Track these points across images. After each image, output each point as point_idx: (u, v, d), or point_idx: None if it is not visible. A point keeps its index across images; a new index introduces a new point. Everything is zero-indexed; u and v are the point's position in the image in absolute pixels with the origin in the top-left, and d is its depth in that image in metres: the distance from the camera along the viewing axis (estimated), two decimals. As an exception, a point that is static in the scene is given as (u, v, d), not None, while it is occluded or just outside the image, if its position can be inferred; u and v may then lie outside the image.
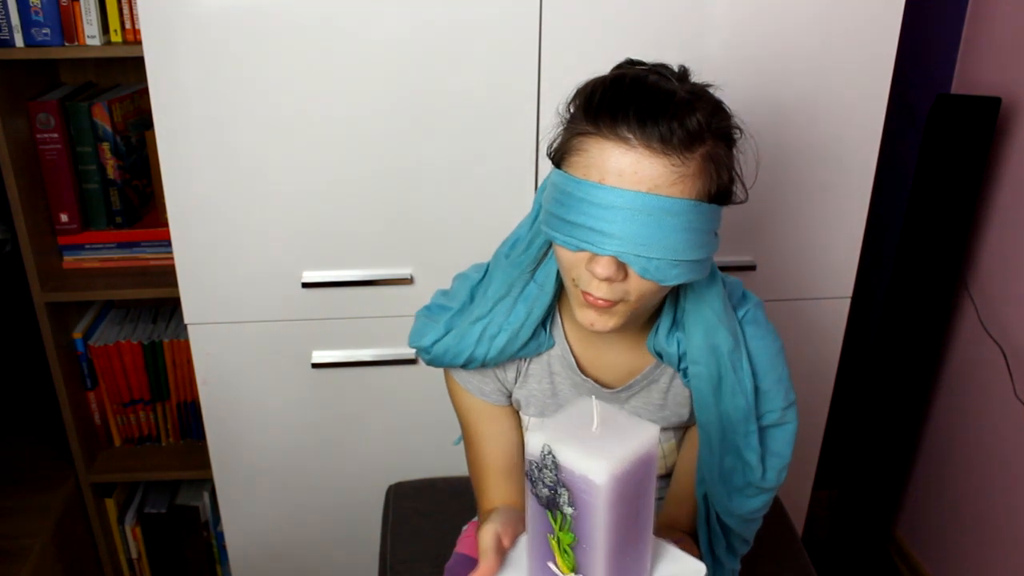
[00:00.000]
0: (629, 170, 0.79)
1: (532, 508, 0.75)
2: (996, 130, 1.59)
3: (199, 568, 1.89)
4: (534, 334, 0.98)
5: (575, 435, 0.71)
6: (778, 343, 0.98)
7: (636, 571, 0.77)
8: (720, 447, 0.97)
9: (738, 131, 0.87)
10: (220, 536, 1.85)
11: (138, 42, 1.31)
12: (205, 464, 1.58)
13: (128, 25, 1.45)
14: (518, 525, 0.83)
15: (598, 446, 0.70)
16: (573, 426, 0.72)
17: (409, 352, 1.46)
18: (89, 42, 1.43)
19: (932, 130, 1.57)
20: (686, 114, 0.79)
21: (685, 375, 0.97)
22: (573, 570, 0.73)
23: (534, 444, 0.72)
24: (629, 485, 0.71)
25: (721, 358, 0.93)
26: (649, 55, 0.90)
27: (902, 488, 1.97)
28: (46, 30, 1.41)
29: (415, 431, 1.54)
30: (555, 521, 0.73)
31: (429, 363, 1.04)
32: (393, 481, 1.56)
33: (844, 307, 1.54)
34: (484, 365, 1.00)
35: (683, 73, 0.86)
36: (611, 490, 0.69)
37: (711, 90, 0.86)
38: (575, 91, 0.86)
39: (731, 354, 0.93)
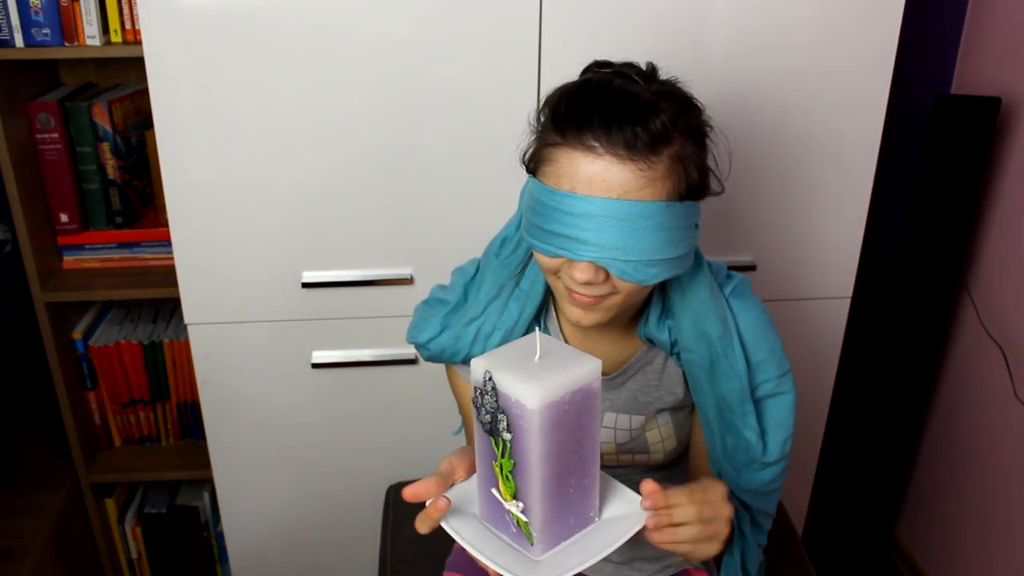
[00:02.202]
0: (598, 178, 0.80)
1: (479, 435, 0.77)
2: (996, 130, 1.60)
3: (199, 568, 1.89)
4: (528, 329, 1.00)
5: (516, 363, 0.73)
6: (766, 315, 0.99)
7: (580, 506, 0.79)
8: (719, 427, 0.98)
9: (708, 127, 0.88)
10: (220, 536, 1.85)
11: (138, 42, 1.32)
12: (205, 464, 1.58)
13: (128, 25, 1.45)
14: (475, 464, 0.84)
15: (535, 374, 0.72)
16: (516, 356, 0.75)
17: (409, 352, 1.46)
18: (89, 42, 1.43)
19: (932, 130, 1.57)
20: (650, 117, 0.80)
21: (679, 358, 0.99)
22: (514, 496, 0.75)
23: (477, 370, 0.74)
24: (566, 415, 0.72)
25: (712, 344, 0.94)
26: (648, 55, 0.90)
27: (902, 488, 1.97)
28: (46, 30, 1.41)
29: (415, 431, 1.55)
30: (497, 448, 0.75)
31: (427, 359, 1.06)
32: (393, 481, 1.56)
33: (844, 307, 1.54)
34: None
35: (651, 72, 0.87)
36: (544, 416, 0.71)
37: (680, 85, 0.87)
38: (544, 100, 0.87)
39: (721, 340, 0.94)
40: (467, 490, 0.82)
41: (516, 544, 0.78)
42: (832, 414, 1.65)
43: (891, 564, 2.00)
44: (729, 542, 0.86)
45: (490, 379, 0.73)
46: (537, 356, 0.74)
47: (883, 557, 2.00)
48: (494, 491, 0.77)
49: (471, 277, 1.05)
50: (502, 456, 0.75)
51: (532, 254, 0.98)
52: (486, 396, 0.74)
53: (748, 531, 1.03)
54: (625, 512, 0.81)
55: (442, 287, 1.08)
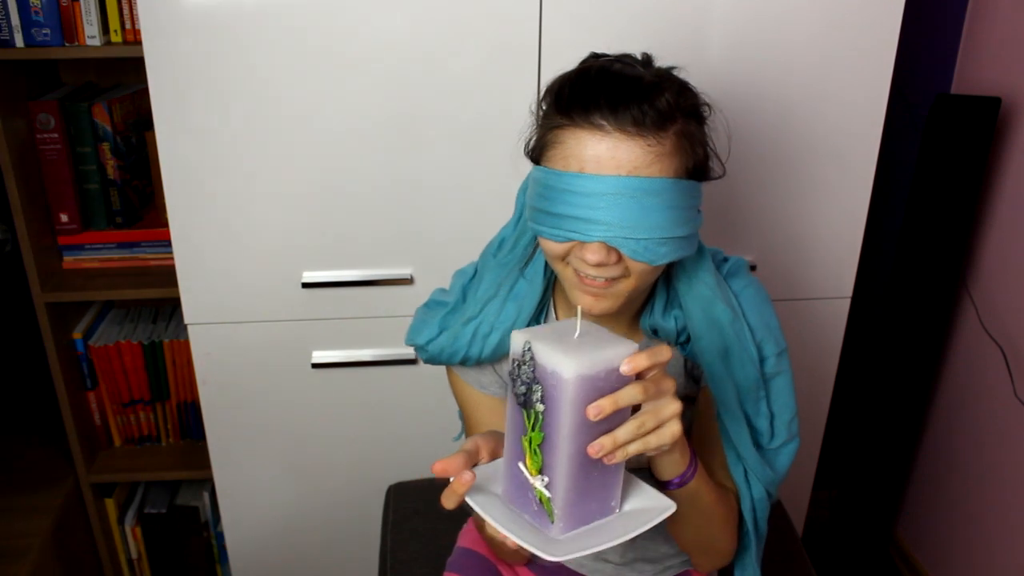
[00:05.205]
0: (607, 155, 0.81)
1: (511, 410, 0.78)
2: (996, 130, 1.60)
3: (199, 568, 1.89)
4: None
5: (556, 338, 0.75)
6: (763, 291, 1.00)
7: (603, 492, 0.79)
8: (743, 414, 0.97)
9: (707, 108, 0.89)
10: (220, 536, 1.85)
11: (138, 42, 1.32)
12: (205, 464, 1.58)
13: (128, 25, 1.45)
14: (498, 448, 0.85)
15: (574, 348, 0.73)
16: (556, 332, 0.76)
17: (409, 352, 1.46)
18: (89, 42, 1.43)
19: (932, 130, 1.57)
20: (655, 95, 0.81)
21: (683, 348, 0.99)
22: (539, 471, 0.76)
23: (517, 341, 0.76)
24: (600, 393, 0.73)
25: (723, 330, 0.94)
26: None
27: (902, 488, 1.97)
28: (46, 30, 1.41)
29: (415, 431, 1.55)
30: (529, 420, 0.76)
31: (427, 361, 1.05)
32: (393, 481, 1.56)
33: (844, 307, 1.54)
34: (480, 363, 1.03)
35: (647, 59, 0.88)
36: (577, 388, 0.72)
37: (676, 72, 0.88)
38: (545, 89, 0.88)
39: (732, 325, 0.94)
40: (488, 473, 0.83)
41: (536, 523, 0.79)
42: (832, 414, 1.65)
43: (891, 564, 2.00)
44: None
45: (529, 349, 0.74)
46: (577, 334, 0.75)
47: (883, 557, 1.99)
48: (520, 465, 0.78)
49: (470, 279, 1.05)
50: (532, 429, 0.76)
51: (531, 252, 0.98)
52: (523, 367, 0.75)
53: (764, 527, 1.03)
54: (646, 506, 0.81)
55: (442, 290, 1.08)
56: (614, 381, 0.74)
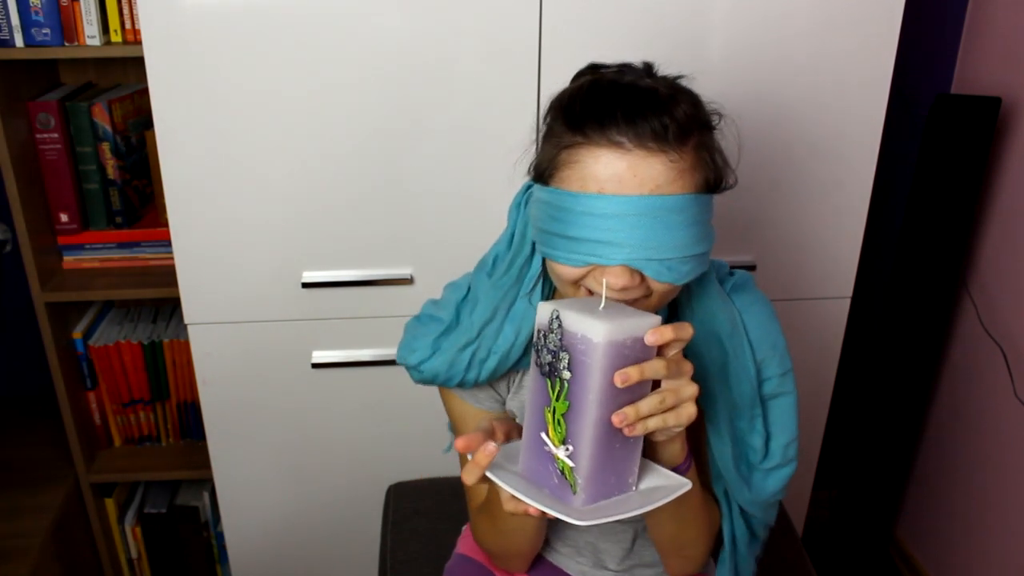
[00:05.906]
0: (628, 174, 0.77)
1: (533, 381, 0.79)
2: (996, 130, 1.60)
3: (199, 568, 1.89)
4: (525, 350, 0.96)
5: (583, 308, 0.76)
6: (769, 308, 0.97)
7: (622, 466, 0.80)
8: (730, 435, 0.95)
9: (717, 116, 0.86)
10: (220, 536, 1.85)
11: (138, 42, 1.32)
12: (205, 464, 1.58)
13: (128, 25, 1.45)
14: (512, 431, 0.85)
15: (603, 316, 0.75)
16: (583, 304, 0.78)
17: (409, 352, 1.46)
18: (89, 42, 1.43)
19: (932, 130, 1.57)
20: (673, 107, 0.78)
21: None
22: (563, 441, 0.77)
23: (543, 312, 0.77)
24: (626, 360, 0.74)
25: (722, 344, 0.92)
26: (649, 56, 0.90)
27: (902, 488, 1.97)
28: (46, 30, 1.41)
29: (415, 431, 1.54)
30: (553, 391, 0.77)
31: (419, 382, 1.01)
32: (393, 481, 1.56)
33: (844, 307, 1.54)
34: (477, 384, 0.99)
35: (649, 68, 0.86)
36: (607, 354, 0.73)
37: (681, 81, 0.86)
38: (549, 105, 0.85)
39: (730, 339, 0.92)
40: (504, 452, 0.83)
41: (558, 496, 0.79)
42: (832, 414, 1.65)
43: (891, 564, 2.00)
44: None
45: (557, 317, 0.75)
46: (601, 307, 0.77)
47: (883, 557, 1.99)
48: (543, 435, 0.78)
49: (463, 297, 0.99)
50: (557, 399, 0.76)
51: (529, 273, 0.93)
52: (550, 335, 0.76)
53: (744, 547, 1.02)
54: (661, 484, 0.82)
55: (434, 302, 1.03)
56: (639, 352, 0.75)
